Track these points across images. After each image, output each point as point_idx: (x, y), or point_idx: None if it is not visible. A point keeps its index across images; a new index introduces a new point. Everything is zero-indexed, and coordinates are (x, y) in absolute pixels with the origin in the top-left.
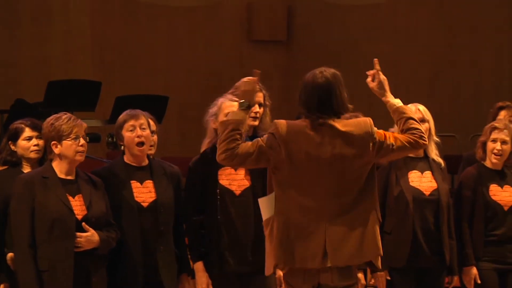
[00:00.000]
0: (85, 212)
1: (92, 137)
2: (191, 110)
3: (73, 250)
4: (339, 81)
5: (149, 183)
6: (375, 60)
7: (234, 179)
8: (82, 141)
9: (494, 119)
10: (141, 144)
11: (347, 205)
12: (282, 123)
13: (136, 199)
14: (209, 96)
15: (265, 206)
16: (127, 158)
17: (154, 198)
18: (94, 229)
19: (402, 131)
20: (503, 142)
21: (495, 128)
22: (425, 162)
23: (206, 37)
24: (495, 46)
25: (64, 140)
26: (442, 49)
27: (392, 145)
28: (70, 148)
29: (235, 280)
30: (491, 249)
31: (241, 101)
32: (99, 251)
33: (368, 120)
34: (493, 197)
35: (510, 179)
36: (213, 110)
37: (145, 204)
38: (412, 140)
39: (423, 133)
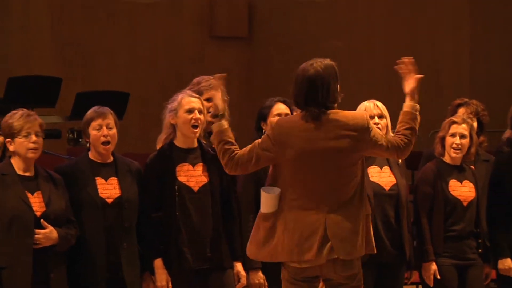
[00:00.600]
0: (44, 209)
1: (53, 133)
2: (152, 107)
3: (32, 247)
4: (329, 73)
5: (113, 180)
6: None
7: (192, 176)
8: (34, 138)
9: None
10: (107, 143)
11: (344, 198)
12: (275, 122)
13: (101, 195)
14: (170, 92)
15: (268, 201)
16: (92, 155)
17: (118, 195)
18: (53, 226)
19: (396, 132)
20: (462, 136)
21: (453, 122)
22: (383, 157)
23: (167, 34)
24: (455, 43)
25: (16, 137)
26: (400, 45)
27: (383, 145)
28: (22, 145)
29: (194, 277)
30: (451, 244)
31: (215, 113)
32: (58, 248)
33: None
34: (453, 193)
35: (469, 175)
36: (172, 105)
37: (109, 200)
38: (400, 146)
39: (411, 145)
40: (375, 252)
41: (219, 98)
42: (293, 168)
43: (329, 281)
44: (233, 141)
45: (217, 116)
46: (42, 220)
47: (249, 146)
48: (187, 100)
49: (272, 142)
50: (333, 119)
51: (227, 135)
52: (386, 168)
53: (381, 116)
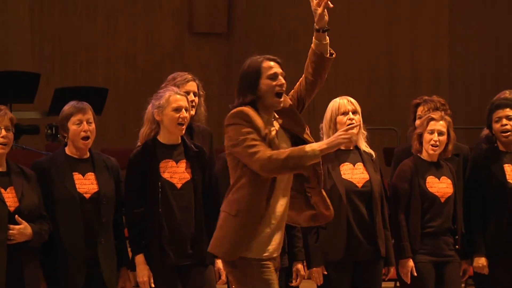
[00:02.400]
0: (17, 204)
1: (31, 129)
2: (131, 102)
3: (5, 243)
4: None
5: (90, 175)
6: None
7: (176, 172)
8: (3, 132)
9: (414, 116)
10: (86, 138)
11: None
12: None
13: (79, 190)
14: (149, 88)
15: None
16: (69, 150)
17: (96, 190)
18: (27, 221)
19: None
20: (440, 133)
21: (432, 119)
22: (356, 154)
23: (146, 29)
24: (433, 40)
25: None
26: (379, 42)
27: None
28: None
29: (175, 273)
30: (428, 241)
31: None
32: (32, 243)
33: None
34: (430, 189)
35: (446, 171)
36: (159, 102)
37: (87, 196)
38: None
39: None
40: None
41: None
42: None
43: None
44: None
45: None
46: (16, 216)
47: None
48: (175, 98)
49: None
50: None
51: None
52: (359, 165)
53: (355, 112)
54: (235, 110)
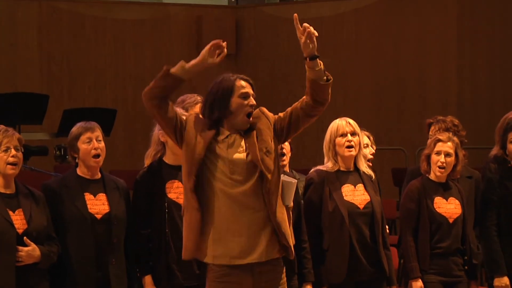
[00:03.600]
0: (26, 226)
1: (39, 150)
2: (139, 123)
3: (14, 265)
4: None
5: (102, 196)
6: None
7: (182, 193)
8: (13, 152)
9: (428, 135)
10: (97, 156)
11: None
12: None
13: (90, 210)
14: None
15: (290, 191)
16: (80, 171)
17: (107, 211)
18: (35, 243)
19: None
20: (447, 154)
21: (439, 140)
22: (356, 175)
23: (154, 50)
24: (441, 60)
25: None
26: (387, 63)
27: None
28: (1, 160)
29: None
30: (437, 261)
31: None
32: (40, 265)
33: None
34: (438, 210)
35: (455, 191)
36: None
37: (98, 216)
38: None
39: None
40: None
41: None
42: None
43: None
44: None
45: None
46: (25, 238)
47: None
48: None
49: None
50: None
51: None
52: (360, 186)
53: (353, 134)
54: None
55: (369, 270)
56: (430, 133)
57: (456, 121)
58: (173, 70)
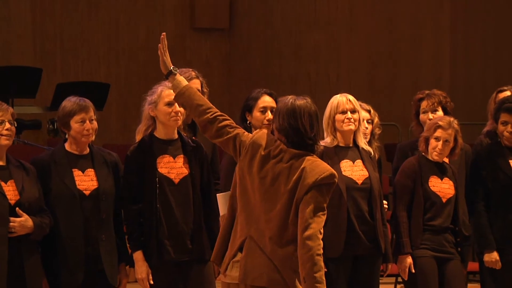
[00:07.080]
0: (18, 197)
1: (32, 124)
2: (132, 98)
3: (7, 236)
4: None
5: (90, 171)
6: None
7: (173, 167)
8: (7, 125)
9: (417, 111)
10: (89, 136)
11: None
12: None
13: (78, 187)
14: (150, 84)
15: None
16: (69, 146)
17: (96, 186)
18: (27, 214)
19: None
20: (446, 141)
21: (439, 126)
22: (355, 151)
23: (148, 25)
24: (434, 36)
25: None
26: (381, 39)
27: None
28: None
29: (174, 269)
30: (429, 237)
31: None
32: (33, 237)
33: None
34: (432, 188)
35: (450, 173)
36: (152, 98)
37: (87, 192)
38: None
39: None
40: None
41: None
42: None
43: None
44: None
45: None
46: (17, 208)
47: (232, 122)
48: (167, 92)
49: (247, 146)
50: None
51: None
52: (359, 162)
53: (353, 111)
54: None
55: (367, 244)
56: (423, 107)
57: (444, 93)
58: (175, 92)
